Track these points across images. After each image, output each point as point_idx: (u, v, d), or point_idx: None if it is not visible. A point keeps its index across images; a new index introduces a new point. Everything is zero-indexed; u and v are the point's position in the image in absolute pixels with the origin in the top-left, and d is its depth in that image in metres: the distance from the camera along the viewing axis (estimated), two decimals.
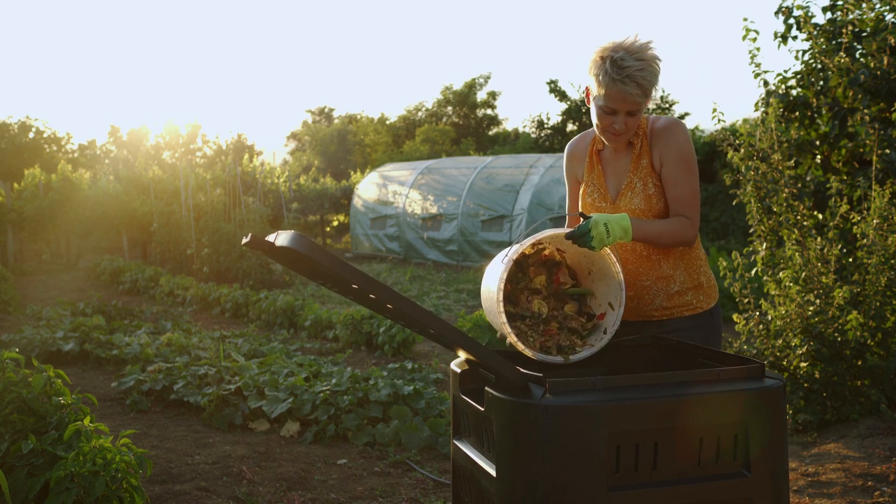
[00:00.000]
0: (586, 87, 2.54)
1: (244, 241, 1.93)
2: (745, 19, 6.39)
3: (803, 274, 4.80)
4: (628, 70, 2.35)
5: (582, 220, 2.34)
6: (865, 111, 5.87)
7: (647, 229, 2.47)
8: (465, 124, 35.40)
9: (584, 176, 2.71)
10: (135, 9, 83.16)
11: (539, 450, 1.85)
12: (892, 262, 4.69)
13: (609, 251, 2.42)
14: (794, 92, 6.82)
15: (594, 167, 2.68)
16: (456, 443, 2.31)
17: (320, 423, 4.91)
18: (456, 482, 2.37)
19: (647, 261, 2.61)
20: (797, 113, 6.76)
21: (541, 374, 1.93)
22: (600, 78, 2.40)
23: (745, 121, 18.77)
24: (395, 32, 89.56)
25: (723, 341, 5.07)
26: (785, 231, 4.95)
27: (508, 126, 38.15)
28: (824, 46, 6.47)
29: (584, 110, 26.96)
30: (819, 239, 4.89)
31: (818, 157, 6.81)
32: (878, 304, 4.65)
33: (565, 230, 2.38)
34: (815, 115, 6.76)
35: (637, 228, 2.42)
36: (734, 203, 5.35)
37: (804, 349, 4.67)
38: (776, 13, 6.82)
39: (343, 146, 39.00)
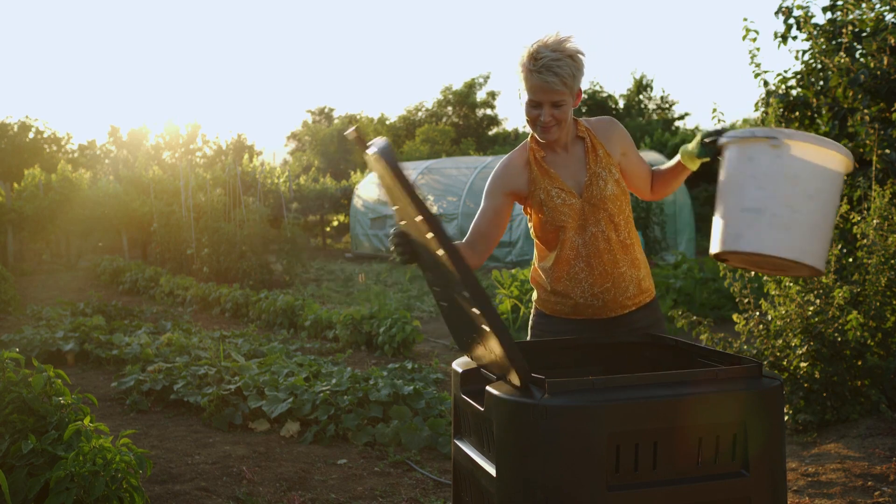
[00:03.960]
0: (518, 90, 2.60)
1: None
2: (745, 19, 6.39)
3: None
4: (544, 60, 2.45)
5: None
6: (865, 111, 5.87)
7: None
8: (464, 124, 35.43)
9: (529, 186, 2.70)
10: (135, 9, 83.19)
11: (539, 450, 1.85)
12: (892, 262, 4.69)
13: None
14: (794, 92, 6.82)
15: (546, 172, 2.67)
16: (456, 443, 2.31)
17: (320, 423, 4.91)
18: (456, 482, 2.37)
19: (623, 247, 2.66)
20: (797, 113, 6.76)
21: (543, 377, 1.93)
22: (522, 73, 2.51)
23: (745, 121, 18.76)
24: (395, 32, 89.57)
25: (721, 342, 5.08)
26: None
27: (508, 126, 38.15)
28: (824, 46, 6.47)
29: (583, 110, 26.97)
30: None
31: None
32: (878, 304, 4.65)
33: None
34: (815, 115, 6.76)
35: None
36: None
37: (804, 349, 4.68)
38: (776, 13, 6.82)
39: (343, 146, 39.00)
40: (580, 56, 2.50)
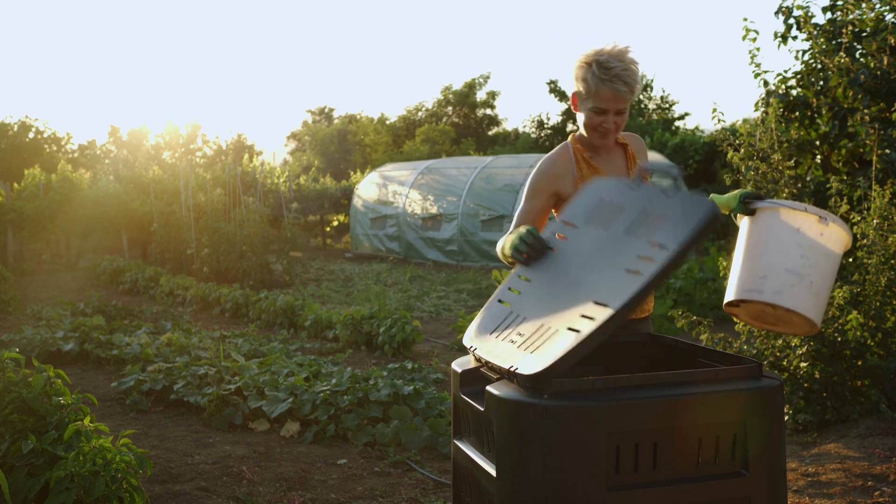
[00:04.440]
0: (573, 94, 2.73)
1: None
2: (745, 19, 6.40)
3: None
4: (614, 70, 2.58)
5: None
6: (865, 111, 5.87)
7: None
8: (465, 124, 35.42)
9: (578, 185, 2.76)
10: (135, 9, 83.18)
11: (539, 450, 1.85)
12: (892, 262, 4.69)
13: None
14: (794, 92, 6.82)
15: (597, 171, 2.78)
16: (456, 443, 2.31)
17: (320, 423, 4.91)
18: (456, 482, 2.37)
19: None
20: (797, 113, 6.76)
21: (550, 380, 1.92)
22: (589, 80, 2.61)
23: (745, 121, 18.77)
24: (395, 32, 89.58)
25: (721, 342, 5.08)
26: None
27: (508, 126, 38.17)
28: (824, 46, 6.47)
29: None
30: None
31: (818, 157, 6.82)
32: (878, 304, 4.65)
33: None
34: (815, 115, 6.76)
35: None
36: None
37: (804, 349, 4.68)
38: (776, 13, 6.82)
39: (343, 146, 39.01)
40: (637, 65, 2.65)
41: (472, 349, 2.31)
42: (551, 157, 2.82)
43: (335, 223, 25.67)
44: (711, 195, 2.82)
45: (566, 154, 2.80)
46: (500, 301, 2.39)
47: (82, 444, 2.94)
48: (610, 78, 2.58)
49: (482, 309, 2.43)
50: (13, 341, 7.24)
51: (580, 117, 2.73)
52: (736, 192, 2.73)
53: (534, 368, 1.92)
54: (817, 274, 2.49)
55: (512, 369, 1.98)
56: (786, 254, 2.48)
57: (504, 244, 2.51)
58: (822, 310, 2.51)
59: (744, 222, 2.66)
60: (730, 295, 2.57)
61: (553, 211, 2.83)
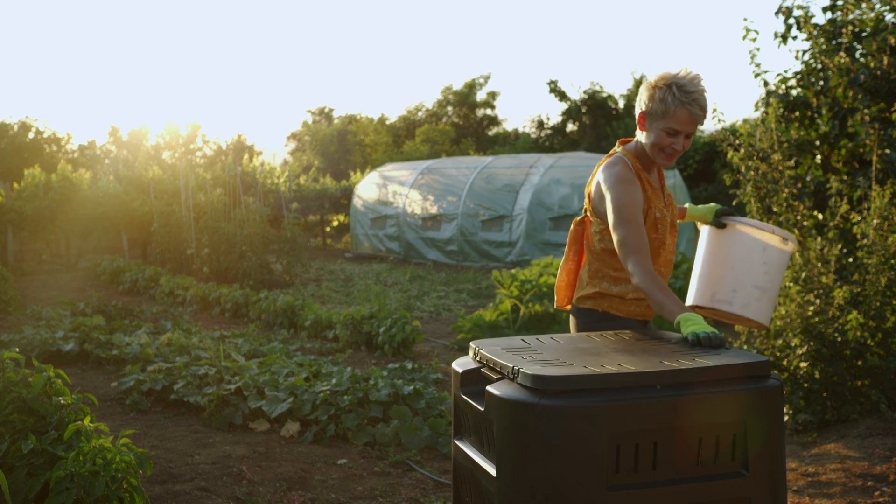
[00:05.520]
0: (640, 113, 2.78)
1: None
2: (745, 19, 6.40)
3: (803, 274, 4.80)
4: (693, 95, 2.68)
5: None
6: (865, 111, 5.87)
7: None
8: (465, 124, 35.41)
9: (645, 204, 2.78)
10: (135, 9, 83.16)
11: (539, 450, 1.85)
12: (892, 262, 4.69)
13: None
14: (794, 92, 6.82)
15: (655, 192, 2.86)
16: (456, 442, 2.31)
17: (320, 423, 4.91)
18: (456, 482, 2.37)
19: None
20: (797, 113, 6.76)
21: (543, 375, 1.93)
22: (668, 101, 2.68)
23: (745, 121, 18.77)
24: (395, 32, 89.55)
25: None
26: None
27: (508, 126, 38.16)
28: (824, 46, 6.47)
29: (583, 111, 26.99)
30: (819, 239, 4.90)
31: (818, 157, 6.81)
32: (878, 304, 4.65)
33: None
34: (815, 115, 6.76)
35: None
36: (734, 203, 5.36)
37: (804, 349, 4.68)
38: (776, 13, 6.82)
39: (343, 146, 38.99)
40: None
41: (475, 348, 2.32)
42: (627, 175, 2.75)
43: (335, 223, 25.68)
44: (688, 205, 3.10)
45: (631, 172, 2.76)
46: (522, 339, 2.43)
47: (82, 444, 2.94)
48: (689, 101, 2.65)
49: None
50: (13, 341, 7.24)
51: (647, 136, 2.75)
52: (711, 206, 3.00)
53: (537, 371, 1.93)
54: (775, 287, 2.86)
55: (515, 368, 1.99)
56: (754, 271, 2.83)
57: (683, 321, 2.38)
58: (772, 312, 2.91)
59: (709, 231, 2.98)
60: (699, 300, 2.89)
61: (588, 217, 2.89)
